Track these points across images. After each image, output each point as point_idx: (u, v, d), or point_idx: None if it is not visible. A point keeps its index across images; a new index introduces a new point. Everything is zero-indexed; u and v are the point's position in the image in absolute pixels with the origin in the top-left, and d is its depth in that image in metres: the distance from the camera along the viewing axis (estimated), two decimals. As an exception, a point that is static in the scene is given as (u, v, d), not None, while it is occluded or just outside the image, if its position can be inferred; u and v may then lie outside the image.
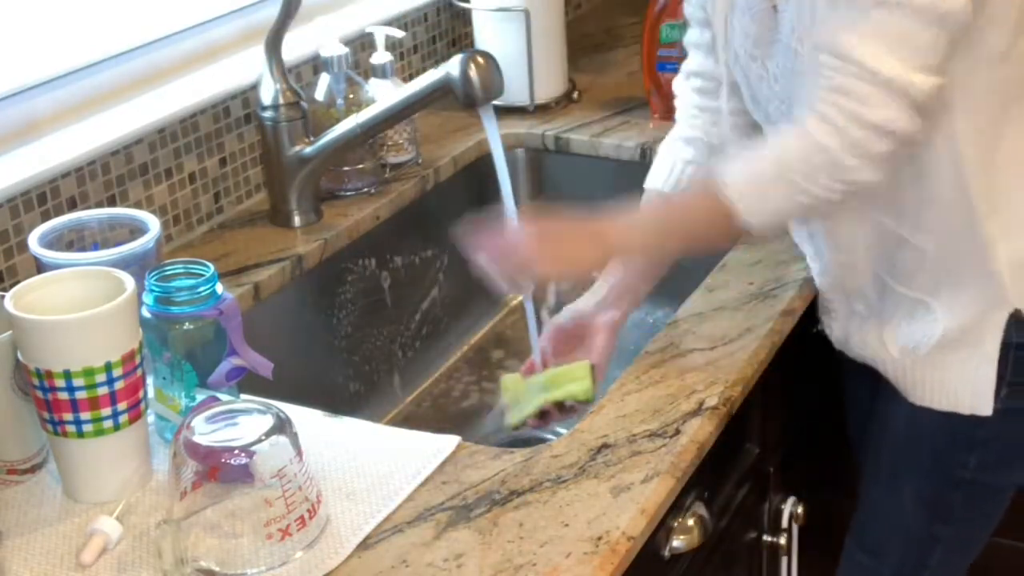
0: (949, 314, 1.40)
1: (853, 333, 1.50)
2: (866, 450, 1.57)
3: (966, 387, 1.41)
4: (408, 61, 2.05)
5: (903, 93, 1.22)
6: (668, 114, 1.97)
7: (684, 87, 1.58)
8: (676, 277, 1.84)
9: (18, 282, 1.24)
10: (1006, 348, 1.38)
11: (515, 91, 2.00)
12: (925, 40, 1.22)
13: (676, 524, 1.29)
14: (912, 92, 1.22)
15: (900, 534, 1.53)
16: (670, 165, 1.55)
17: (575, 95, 2.09)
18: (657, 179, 1.55)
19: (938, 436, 1.46)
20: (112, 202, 1.57)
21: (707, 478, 1.32)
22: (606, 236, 1.35)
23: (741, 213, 1.28)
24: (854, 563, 1.60)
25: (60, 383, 1.14)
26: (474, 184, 1.92)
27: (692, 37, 1.55)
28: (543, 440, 1.58)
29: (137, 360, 1.18)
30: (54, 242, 1.36)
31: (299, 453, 1.12)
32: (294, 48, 1.73)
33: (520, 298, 1.93)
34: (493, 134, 1.57)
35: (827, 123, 1.25)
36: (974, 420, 1.42)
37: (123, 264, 1.26)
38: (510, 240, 1.35)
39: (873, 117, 1.23)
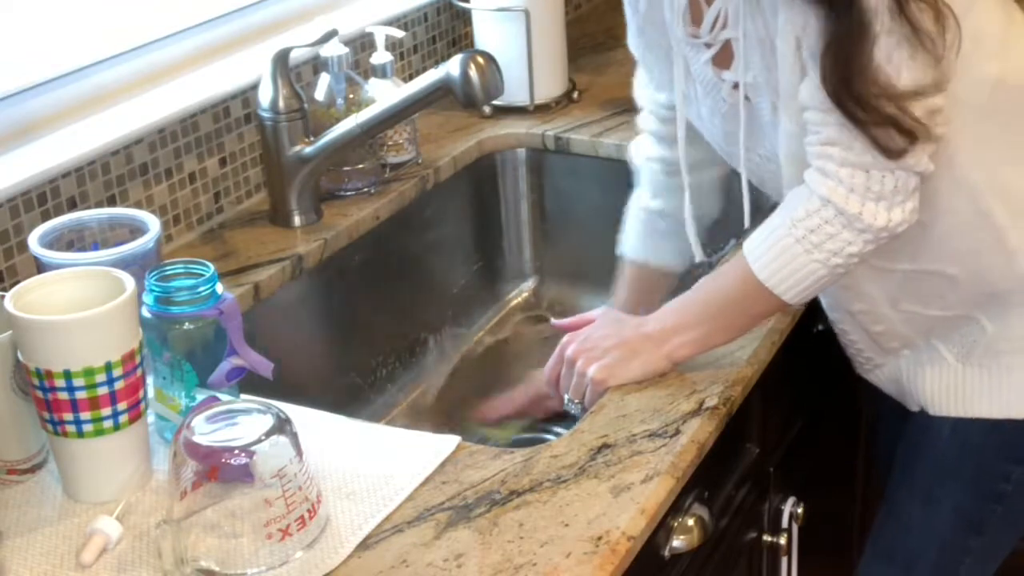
0: (993, 322, 1.39)
1: (903, 370, 1.48)
2: (899, 466, 1.55)
3: (1014, 391, 1.40)
4: (408, 61, 2.05)
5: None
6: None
7: (645, 166, 1.60)
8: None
9: (18, 282, 1.24)
10: None
11: (515, 91, 2.00)
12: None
13: (676, 524, 1.29)
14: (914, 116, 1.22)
15: (933, 546, 1.51)
16: (637, 224, 1.59)
17: (575, 95, 2.09)
18: (632, 248, 1.60)
19: (984, 449, 1.45)
20: (112, 202, 1.57)
21: (707, 478, 1.32)
22: (665, 346, 1.34)
23: (765, 283, 1.29)
24: (875, 574, 1.58)
25: (60, 383, 1.14)
26: (474, 184, 1.92)
27: (647, 109, 1.57)
28: (543, 440, 1.58)
29: (137, 360, 1.18)
30: (54, 242, 1.36)
31: (299, 453, 1.12)
32: (294, 48, 1.73)
33: (520, 299, 1.93)
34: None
35: (825, 177, 1.24)
36: (1022, 430, 1.41)
37: (123, 264, 1.26)
38: (577, 368, 1.37)
39: (863, 159, 1.22)
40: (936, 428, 1.47)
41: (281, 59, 1.64)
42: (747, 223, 1.43)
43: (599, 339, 1.37)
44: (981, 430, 1.43)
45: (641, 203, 1.60)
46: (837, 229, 1.26)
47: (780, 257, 1.29)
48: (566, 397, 1.40)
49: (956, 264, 1.37)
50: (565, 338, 1.42)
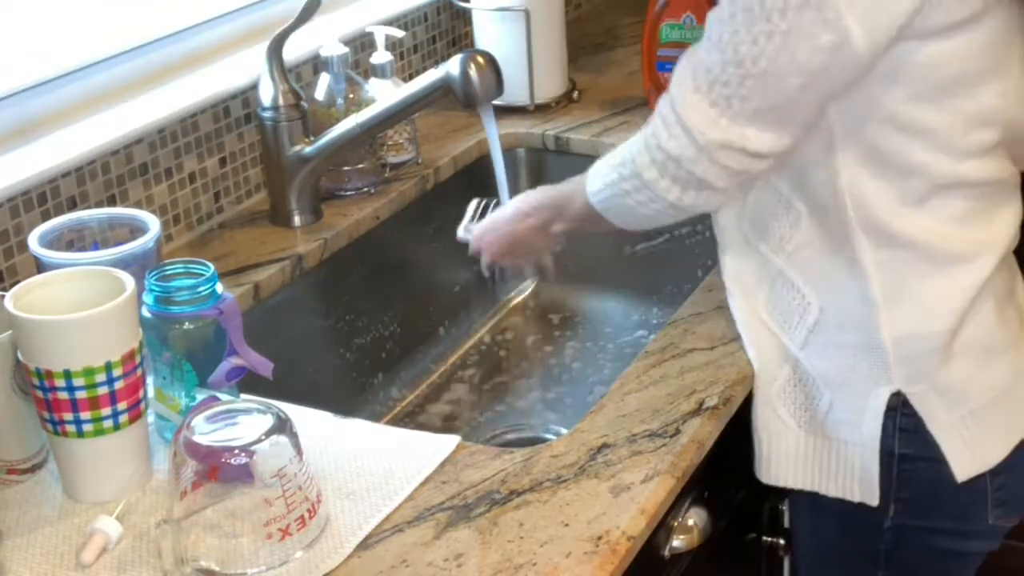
0: (830, 388, 1.34)
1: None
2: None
3: (852, 474, 1.35)
4: (408, 61, 2.05)
5: (689, 135, 1.23)
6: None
7: None
8: (676, 277, 1.85)
9: (18, 282, 1.24)
10: (889, 455, 1.32)
11: (515, 91, 2.00)
12: (735, 93, 1.20)
13: (676, 524, 1.29)
14: (695, 135, 1.22)
15: None
16: None
17: (575, 95, 2.09)
18: None
19: (843, 551, 1.42)
20: (112, 202, 1.57)
21: (707, 478, 1.32)
22: (542, 232, 1.50)
23: (593, 202, 1.38)
24: None
25: (60, 383, 1.14)
26: (474, 184, 1.91)
27: None
28: (543, 440, 1.58)
29: (137, 360, 1.18)
30: (54, 242, 1.36)
31: (299, 453, 1.12)
32: (294, 48, 1.73)
33: (520, 298, 1.93)
34: (493, 134, 1.58)
35: (642, 136, 1.29)
36: (876, 534, 1.37)
37: (123, 264, 1.26)
38: (476, 247, 1.57)
39: (667, 145, 1.25)
40: (795, 520, 1.48)
41: (276, 50, 1.64)
42: None
43: (501, 243, 1.55)
44: (832, 530, 1.41)
45: None
46: (640, 185, 1.30)
47: (607, 190, 1.36)
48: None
49: (813, 284, 1.32)
50: (473, 243, 1.59)
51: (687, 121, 1.23)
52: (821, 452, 1.37)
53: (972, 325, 1.30)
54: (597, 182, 1.37)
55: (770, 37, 1.17)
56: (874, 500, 1.34)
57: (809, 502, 1.42)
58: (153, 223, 1.37)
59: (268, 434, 1.10)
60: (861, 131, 1.24)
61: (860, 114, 1.24)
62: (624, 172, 1.31)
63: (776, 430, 1.39)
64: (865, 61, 1.19)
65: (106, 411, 1.16)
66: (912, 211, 1.27)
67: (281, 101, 1.66)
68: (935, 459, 1.32)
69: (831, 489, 1.37)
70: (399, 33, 1.87)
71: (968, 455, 1.32)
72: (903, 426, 1.32)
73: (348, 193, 1.79)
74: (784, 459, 1.40)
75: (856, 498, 1.36)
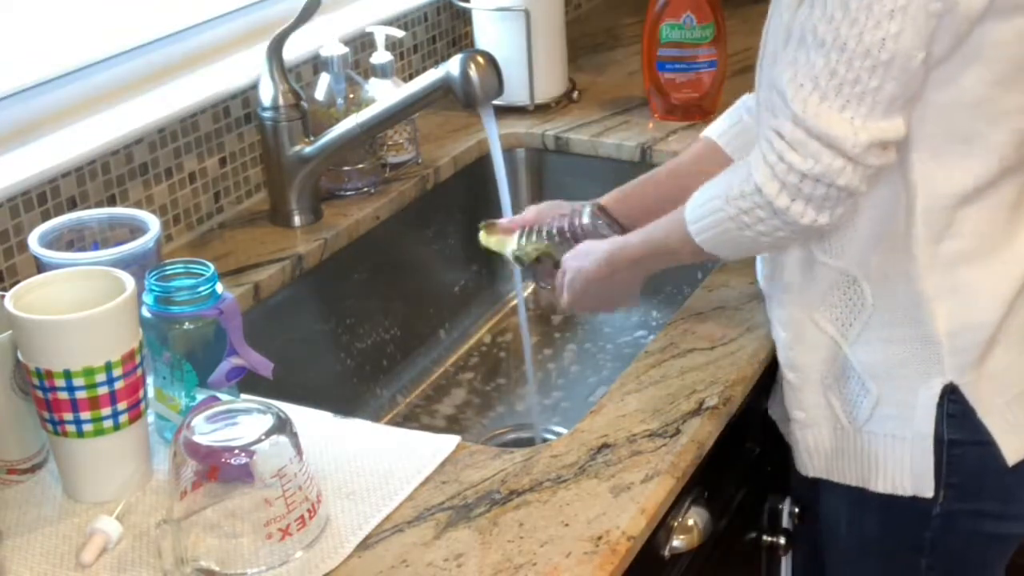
0: (878, 384, 1.35)
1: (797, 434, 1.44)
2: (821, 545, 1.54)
3: (903, 467, 1.36)
4: (408, 61, 2.05)
5: (836, 146, 1.20)
6: (668, 114, 1.98)
7: None
8: (676, 277, 1.85)
9: (18, 282, 1.24)
10: (939, 441, 1.33)
11: (515, 91, 2.00)
12: (866, 88, 1.18)
13: (676, 524, 1.29)
14: (845, 146, 1.19)
15: None
16: (733, 117, 1.55)
17: (575, 95, 2.09)
18: (716, 128, 1.56)
19: (886, 542, 1.42)
20: (112, 202, 1.57)
21: (707, 478, 1.32)
22: (637, 273, 1.46)
23: (698, 243, 1.33)
24: None
25: (60, 383, 1.14)
26: (474, 184, 1.92)
27: None
28: (543, 440, 1.58)
29: (137, 360, 1.18)
30: (54, 242, 1.36)
31: (299, 453, 1.12)
32: (294, 48, 1.73)
33: (518, 300, 1.93)
34: (493, 134, 1.58)
35: (765, 163, 1.24)
36: (922, 522, 1.37)
37: (123, 264, 1.26)
38: (558, 291, 1.52)
39: (802, 167, 1.21)
40: (831, 516, 1.47)
41: (276, 50, 1.64)
42: None
43: (592, 293, 1.49)
44: (874, 523, 1.41)
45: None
46: (767, 215, 1.26)
47: (716, 229, 1.31)
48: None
49: (870, 280, 1.32)
50: (561, 293, 1.52)
51: (829, 133, 1.19)
52: (868, 448, 1.38)
53: (1016, 313, 1.32)
54: (702, 221, 1.32)
55: (892, 16, 1.16)
56: (928, 492, 1.35)
57: (847, 496, 1.42)
58: (153, 223, 1.37)
59: (268, 434, 1.10)
60: (939, 118, 1.25)
61: (939, 100, 1.24)
62: (744, 205, 1.26)
63: (820, 426, 1.40)
64: (961, 30, 1.19)
65: (106, 411, 1.16)
66: (977, 198, 1.28)
67: (281, 101, 1.66)
68: (983, 442, 1.33)
69: (880, 485, 1.38)
70: (399, 33, 1.87)
71: (1017, 439, 1.33)
72: (951, 412, 1.33)
73: (348, 193, 1.79)
74: (828, 455, 1.41)
75: (908, 492, 1.36)
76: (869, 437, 1.37)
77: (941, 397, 1.32)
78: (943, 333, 1.30)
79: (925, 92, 1.23)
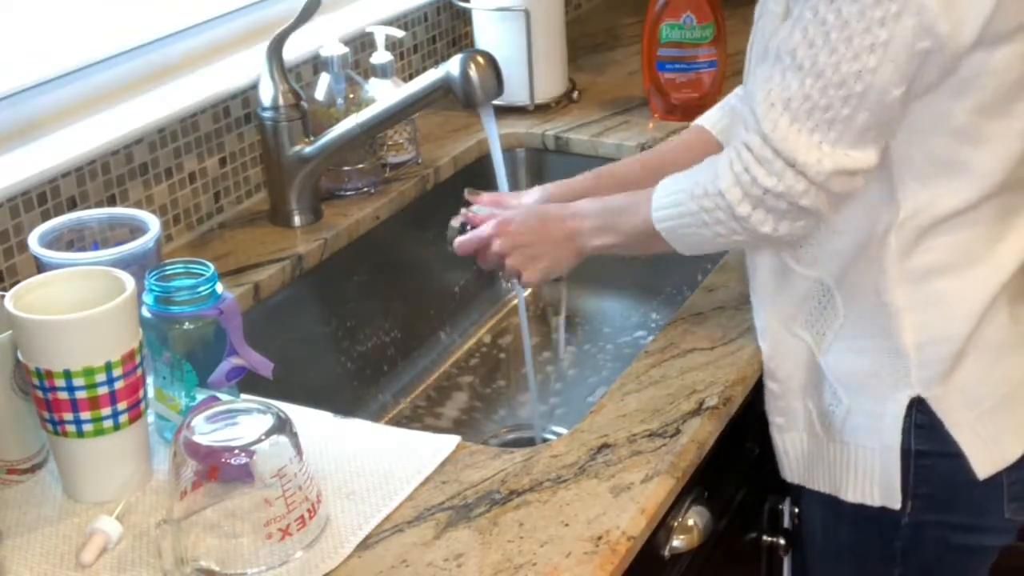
0: (849, 394, 1.35)
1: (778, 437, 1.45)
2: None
3: (872, 478, 1.36)
4: (408, 61, 2.05)
5: (798, 169, 1.20)
6: (668, 114, 1.98)
7: None
8: (676, 278, 1.85)
9: (18, 282, 1.24)
10: (906, 452, 1.33)
11: (515, 91, 2.00)
12: (836, 116, 1.19)
13: (676, 524, 1.29)
14: (808, 171, 1.20)
15: None
16: (725, 107, 1.56)
17: (575, 95, 2.09)
18: (708, 118, 1.57)
19: (858, 550, 1.42)
20: (112, 202, 1.57)
21: (707, 478, 1.32)
22: (577, 238, 1.43)
23: (658, 229, 1.34)
24: None
25: (60, 383, 1.14)
26: (474, 184, 1.91)
27: None
28: (543, 440, 1.58)
29: (137, 360, 1.18)
30: (54, 242, 1.36)
31: (299, 453, 1.12)
32: (294, 48, 1.73)
33: (518, 300, 1.94)
34: (493, 134, 1.58)
35: (731, 171, 1.25)
36: (892, 532, 1.37)
37: (123, 264, 1.26)
38: (485, 241, 1.47)
39: (765, 182, 1.22)
40: (807, 522, 1.48)
41: (276, 50, 1.64)
42: None
43: (525, 233, 1.45)
44: (847, 530, 1.41)
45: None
46: (726, 218, 1.27)
47: (678, 220, 1.32)
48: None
49: (842, 291, 1.32)
50: (490, 225, 1.47)
51: (795, 156, 1.20)
52: (839, 457, 1.38)
53: (987, 325, 1.31)
54: (667, 209, 1.33)
55: (872, 50, 1.16)
56: (896, 503, 1.35)
57: (824, 502, 1.42)
58: (153, 223, 1.37)
59: (268, 434, 1.10)
60: (922, 143, 1.25)
61: (923, 128, 1.24)
62: (707, 204, 1.28)
63: (799, 431, 1.41)
64: (948, 65, 1.19)
65: (106, 411, 1.16)
66: (957, 217, 1.27)
67: (281, 101, 1.66)
68: (952, 454, 1.32)
69: (850, 494, 1.38)
70: (399, 33, 1.87)
71: (987, 452, 1.33)
72: (919, 423, 1.32)
73: (348, 193, 1.79)
74: (803, 461, 1.42)
75: (876, 502, 1.36)
76: (841, 446, 1.37)
77: (909, 408, 1.32)
78: (911, 346, 1.30)
79: (909, 119, 1.23)
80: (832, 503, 1.40)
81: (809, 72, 1.18)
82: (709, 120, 1.57)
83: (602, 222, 1.41)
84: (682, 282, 1.83)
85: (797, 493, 1.50)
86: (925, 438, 1.33)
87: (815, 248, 1.32)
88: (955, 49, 1.18)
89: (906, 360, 1.31)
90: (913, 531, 1.37)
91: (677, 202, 1.32)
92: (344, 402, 1.66)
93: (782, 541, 1.58)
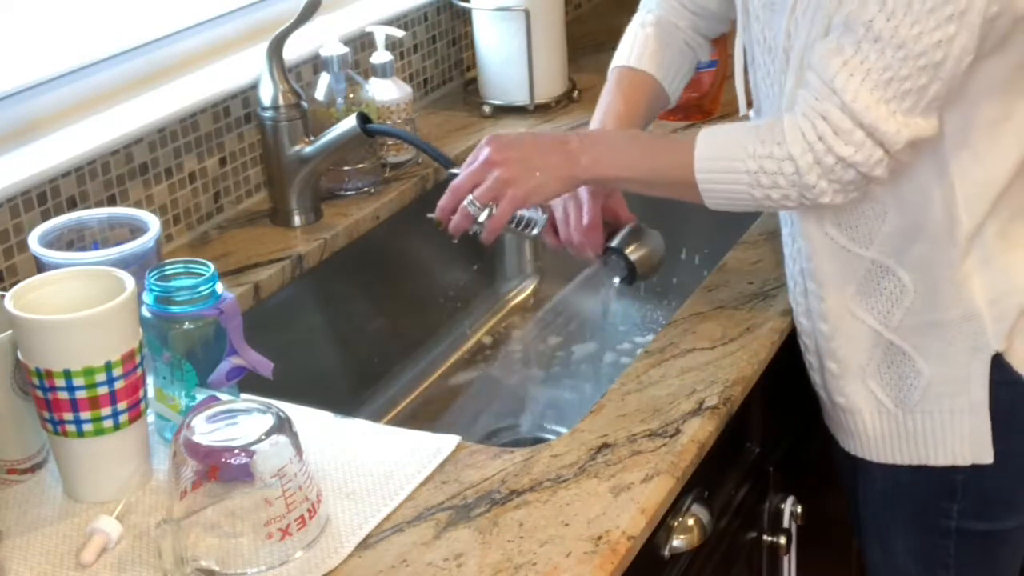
0: (929, 362, 1.37)
1: (842, 388, 1.45)
2: (856, 508, 1.56)
3: (962, 438, 1.38)
4: (408, 61, 2.05)
5: (878, 138, 1.22)
6: (668, 114, 1.98)
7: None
8: (676, 277, 1.85)
9: (18, 282, 1.24)
10: (991, 393, 1.36)
11: (515, 91, 2.00)
12: (914, 86, 1.21)
13: (676, 524, 1.29)
14: (887, 140, 1.22)
15: None
16: (632, 39, 1.56)
17: (575, 94, 2.09)
18: (622, 56, 1.56)
19: (917, 488, 1.44)
20: (112, 202, 1.57)
21: (707, 478, 1.32)
22: (578, 155, 1.38)
23: (698, 183, 1.32)
24: None
25: (60, 383, 1.14)
26: (474, 184, 1.92)
27: None
28: (543, 440, 1.58)
29: (137, 360, 1.18)
30: (54, 242, 1.36)
31: (299, 452, 1.12)
32: (294, 48, 1.73)
33: (520, 298, 1.94)
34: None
35: (803, 138, 1.25)
36: (952, 468, 1.40)
37: (123, 264, 1.26)
38: (480, 160, 1.39)
39: (842, 152, 1.24)
40: (867, 470, 1.48)
41: (276, 50, 1.64)
42: (742, 111, 1.48)
43: (519, 147, 1.39)
44: (908, 471, 1.43)
45: (646, 19, 1.56)
46: (787, 184, 1.27)
47: (724, 174, 1.31)
48: (468, 198, 1.39)
49: (908, 268, 1.34)
50: (487, 140, 1.41)
51: (877, 126, 1.22)
52: (923, 427, 1.40)
53: None
54: (714, 160, 1.31)
55: (951, 20, 1.18)
56: (988, 458, 1.38)
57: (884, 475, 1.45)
58: (153, 223, 1.37)
59: (268, 434, 1.10)
60: (966, 107, 1.27)
61: (967, 90, 1.25)
62: (768, 167, 1.27)
63: (862, 412, 1.43)
64: (1008, 29, 1.22)
65: (106, 411, 1.16)
66: (1013, 178, 1.31)
67: (281, 101, 1.66)
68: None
69: (940, 459, 1.40)
70: (399, 33, 1.87)
71: None
72: (999, 379, 1.36)
73: (348, 193, 1.79)
74: (873, 438, 1.44)
75: (968, 461, 1.39)
76: (924, 416, 1.39)
77: (991, 366, 1.35)
78: (984, 304, 1.33)
79: (963, 85, 1.25)
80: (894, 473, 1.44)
81: (889, 43, 1.20)
82: (624, 56, 1.56)
83: (614, 153, 1.39)
84: (682, 282, 1.83)
85: (846, 468, 1.53)
86: (1007, 391, 1.36)
87: (869, 227, 1.34)
88: (1015, 12, 1.21)
89: (981, 320, 1.33)
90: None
91: (731, 156, 1.30)
92: (344, 402, 1.66)
93: (782, 541, 1.58)
